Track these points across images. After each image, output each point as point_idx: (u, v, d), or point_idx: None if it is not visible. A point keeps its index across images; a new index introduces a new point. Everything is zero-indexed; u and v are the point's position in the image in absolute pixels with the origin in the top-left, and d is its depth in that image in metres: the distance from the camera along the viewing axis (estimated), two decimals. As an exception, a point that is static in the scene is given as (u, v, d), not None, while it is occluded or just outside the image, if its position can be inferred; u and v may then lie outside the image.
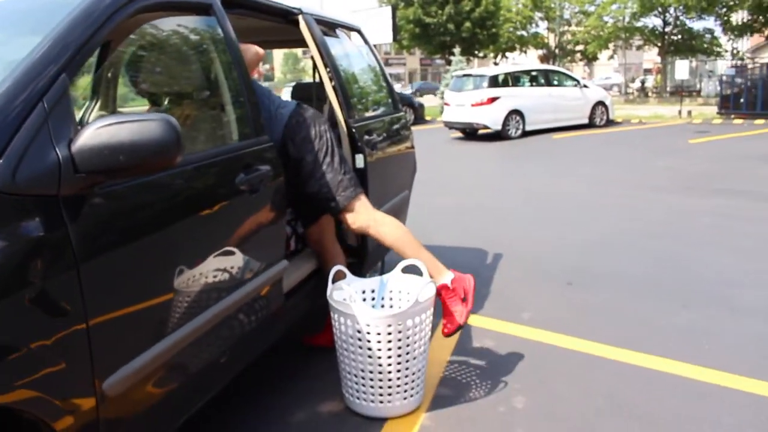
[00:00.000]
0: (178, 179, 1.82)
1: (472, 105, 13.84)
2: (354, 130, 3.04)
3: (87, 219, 1.47)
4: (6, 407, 1.25)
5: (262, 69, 37.61)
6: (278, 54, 62.60)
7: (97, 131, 1.44)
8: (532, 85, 14.91)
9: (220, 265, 1.97)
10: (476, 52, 35.19)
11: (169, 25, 2.24)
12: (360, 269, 3.11)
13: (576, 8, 36.44)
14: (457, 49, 26.01)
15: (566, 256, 4.67)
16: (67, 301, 1.39)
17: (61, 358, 1.36)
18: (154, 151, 1.46)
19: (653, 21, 29.85)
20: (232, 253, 2.04)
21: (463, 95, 14.22)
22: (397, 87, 31.25)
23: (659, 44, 30.26)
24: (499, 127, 13.70)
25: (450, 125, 14.88)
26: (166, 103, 2.41)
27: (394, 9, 22.48)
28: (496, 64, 37.57)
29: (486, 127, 13.86)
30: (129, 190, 1.61)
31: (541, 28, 38.89)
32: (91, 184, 1.47)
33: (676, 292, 3.82)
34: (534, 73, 15.35)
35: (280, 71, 57.81)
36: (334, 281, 2.53)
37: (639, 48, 34.35)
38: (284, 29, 3.18)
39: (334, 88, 3.05)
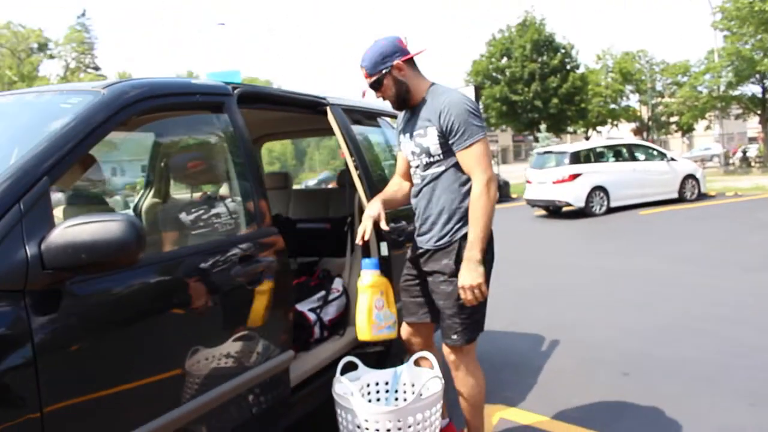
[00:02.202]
0: (152, 273, 1.86)
1: (554, 182, 13.59)
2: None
3: (51, 314, 1.53)
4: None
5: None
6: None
7: (63, 231, 1.52)
8: (617, 160, 14.51)
9: (200, 360, 1.96)
10: (565, 127, 34.91)
11: (181, 123, 2.37)
12: (385, 358, 3.03)
13: (668, 79, 35.68)
14: (543, 126, 25.97)
15: (629, 342, 4.37)
16: (22, 397, 1.42)
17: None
18: (114, 250, 1.52)
19: (752, 88, 28.61)
20: (214, 346, 2.03)
21: (545, 172, 14.02)
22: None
23: (759, 112, 28.86)
24: (582, 204, 13.33)
25: (532, 203, 14.65)
26: (172, 194, 2.51)
27: (477, 89, 22.93)
28: (587, 138, 37.04)
29: (569, 205, 13.52)
30: (98, 286, 1.66)
31: (633, 100, 38.20)
32: (58, 280, 1.54)
33: (745, 388, 3.45)
34: (618, 148, 14.96)
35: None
36: (343, 372, 2.47)
37: (738, 117, 32.87)
38: (317, 119, 3.28)
39: (359, 176, 3.08)
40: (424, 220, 2.52)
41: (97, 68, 42.88)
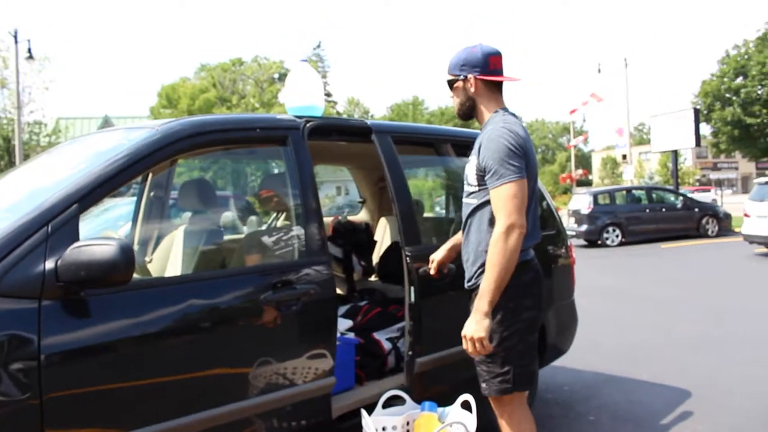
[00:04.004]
0: (175, 294, 2.08)
1: (775, 217, 11.91)
2: (408, 258, 2.80)
3: (64, 323, 1.79)
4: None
5: (575, 174, 37.19)
6: (596, 157, 62.29)
7: (72, 250, 1.79)
8: None
9: (221, 372, 2.12)
10: (815, 154, 30.40)
11: (243, 154, 2.57)
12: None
13: None
14: (779, 153, 22.90)
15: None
16: (24, 399, 1.67)
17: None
18: (105, 269, 1.74)
19: None
20: (238, 362, 2.18)
21: (765, 205, 12.35)
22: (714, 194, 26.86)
23: None
24: (811, 244, 11.48)
25: (750, 239, 12.96)
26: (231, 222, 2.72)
27: (697, 112, 21.04)
28: None
29: (794, 243, 11.74)
30: (110, 303, 1.89)
31: None
32: (70, 291, 1.80)
33: None
34: None
35: (597, 176, 57.17)
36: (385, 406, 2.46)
37: None
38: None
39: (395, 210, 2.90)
40: (465, 259, 2.40)
41: (328, 95, 47.03)
